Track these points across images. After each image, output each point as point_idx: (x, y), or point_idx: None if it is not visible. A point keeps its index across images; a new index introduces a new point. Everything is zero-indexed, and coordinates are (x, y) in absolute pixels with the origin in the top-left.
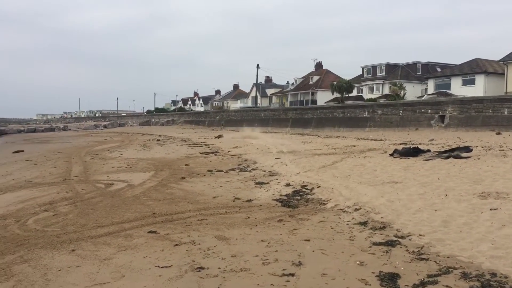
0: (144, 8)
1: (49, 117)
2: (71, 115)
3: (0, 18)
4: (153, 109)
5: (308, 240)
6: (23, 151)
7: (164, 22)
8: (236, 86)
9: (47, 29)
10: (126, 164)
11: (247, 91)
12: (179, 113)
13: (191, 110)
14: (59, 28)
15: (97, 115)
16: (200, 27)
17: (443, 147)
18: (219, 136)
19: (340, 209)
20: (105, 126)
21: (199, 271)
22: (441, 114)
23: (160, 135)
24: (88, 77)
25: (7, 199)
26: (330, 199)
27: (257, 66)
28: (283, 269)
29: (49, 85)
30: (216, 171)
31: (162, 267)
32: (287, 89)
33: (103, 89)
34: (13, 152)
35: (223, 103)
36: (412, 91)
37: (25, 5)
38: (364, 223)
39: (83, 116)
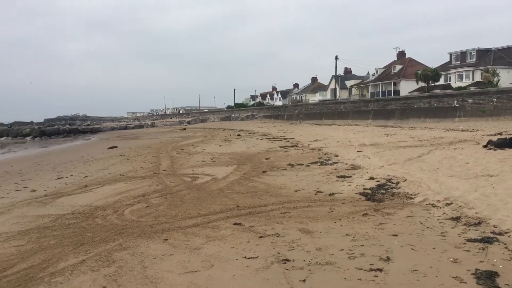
0: (222, 6)
1: (138, 114)
2: (158, 112)
3: (91, 24)
4: (233, 104)
5: (395, 235)
6: (116, 147)
7: (242, 20)
8: (314, 79)
9: (132, 32)
10: (209, 158)
11: (326, 83)
12: (258, 107)
13: (270, 104)
14: (144, 31)
15: (181, 111)
16: (277, 22)
17: None
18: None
19: (429, 203)
20: (188, 122)
21: (285, 263)
22: None
23: (240, 130)
24: (172, 75)
25: (105, 191)
26: (418, 193)
27: (336, 58)
28: (371, 264)
29: (137, 84)
30: (297, 164)
31: (249, 257)
32: (368, 80)
33: (186, 87)
34: (108, 148)
35: (301, 96)
36: (507, 77)
37: (111, 11)
38: (456, 219)
39: (168, 113)
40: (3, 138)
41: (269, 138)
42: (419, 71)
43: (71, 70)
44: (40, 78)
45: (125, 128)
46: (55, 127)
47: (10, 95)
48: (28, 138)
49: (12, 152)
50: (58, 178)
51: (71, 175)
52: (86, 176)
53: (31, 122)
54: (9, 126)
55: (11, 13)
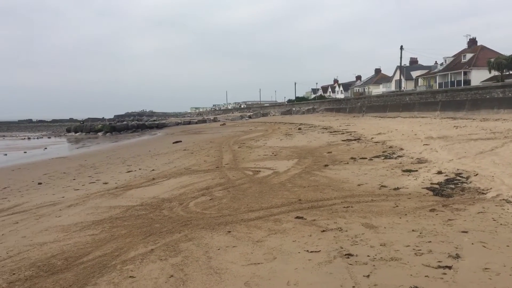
0: (285, 0)
1: (201, 109)
2: (220, 107)
3: (157, 23)
4: (293, 98)
5: (466, 232)
6: (181, 141)
7: (304, 13)
8: (377, 71)
9: (196, 29)
10: (270, 152)
11: (390, 75)
12: (319, 101)
13: (331, 97)
14: (207, 28)
15: (242, 106)
16: (341, 13)
17: None
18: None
19: (503, 199)
20: (249, 117)
21: (348, 257)
22: None
23: (301, 124)
24: (233, 71)
25: (171, 184)
26: (491, 188)
27: (401, 48)
28: (439, 261)
29: (200, 80)
30: (360, 158)
31: (311, 251)
32: (435, 70)
33: (247, 81)
34: (173, 143)
35: (364, 88)
36: None
37: (177, 9)
38: None
39: (229, 108)
40: (77, 134)
41: (330, 132)
42: (492, 59)
43: (138, 68)
44: (110, 76)
45: (189, 123)
46: (124, 123)
47: (84, 93)
48: (100, 134)
49: (86, 147)
50: (128, 172)
51: (139, 169)
52: (153, 170)
53: (103, 119)
54: (82, 122)
55: (87, 14)
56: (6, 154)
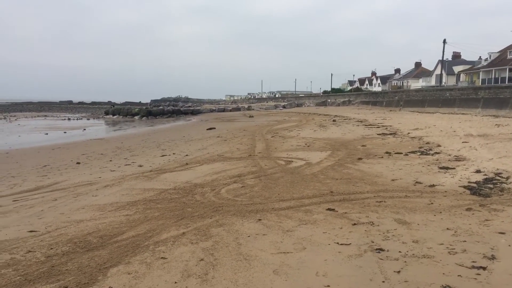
0: None
1: (235, 97)
2: (254, 96)
3: (194, 9)
4: (329, 89)
5: (503, 233)
6: (214, 128)
7: (343, 4)
8: (418, 64)
9: (234, 16)
10: (303, 143)
11: (431, 69)
12: (356, 93)
13: (368, 90)
14: (245, 15)
15: (277, 95)
16: (382, 4)
17: None
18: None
19: None
20: (284, 107)
21: (379, 252)
22: None
23: (335, 116)
24: (270, 59)
25: (204, 170)
26: None
27: (444, 41)
28: (473, 261)
29: (236, 68)
30: (395, 153)
31: (341, 244)
32: (479, 66)
33: (283, 71)
34: (207, 129)
35: (402, 82)
36: None
37: None
38: None
39: (264, 97)
40: (115, 117)
41: (365, 125)
42: None
43: (175, 54)
44: (149, 61)
45: (223, 110)
46: (160, 107)
47: (123, 77)
48: (136, 117)
49: (122, 129)
50: (162, 156)
51: (173, 153)
52: (187, 155)
53: (139, 103)
54: (112, 106)
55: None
56: (47, 134)
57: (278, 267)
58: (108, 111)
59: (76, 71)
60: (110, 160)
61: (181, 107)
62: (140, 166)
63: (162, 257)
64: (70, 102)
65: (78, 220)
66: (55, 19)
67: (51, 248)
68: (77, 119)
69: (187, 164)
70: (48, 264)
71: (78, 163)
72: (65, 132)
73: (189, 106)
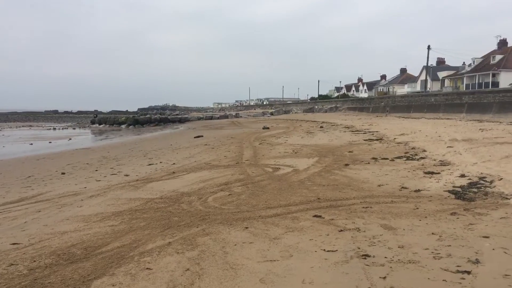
0: None
1: (223, 105)
2: (242, 103)
3: (183, 16)
4: (316, 96)
5: (487, 237)
6: (202, 136)
7: (330, 9)
8: (403, 70)
9: (221, 24)
10: (291, 149)
11: (416, 74)
12: (342, 99)
13: (355, 96)
14: (233, 23)
15: (264, 103)
16: (368, 10)
17: None
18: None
19: None
20: (271, 114)
21: (365, 258)
22: None
23: (323, 122)
24: (257, 67)
25: (191, 178)
26: None
27: (428, 47)
28: (457, 266)
29: (223, 76)
30: (381, 158)
31: (328, 250)
32: (463, 71)
33: (270, 79)
34: (194, 137)
35: (388, 88)
36: None
37: (203, 2)
38: None
39: (252, 104)
40: (101, 126)
41: (352, 131)
42: None
43: (162, 61)
44: (135, 69)
45: (211, 118)
46: (147, 116)
47: (109, 86)
48: (123, 126)
49: (109, 139)
50: (149, 164)
51: (160, 162)
52: (174, 164)
53: (126, 111)
54: (95, 116)
55: (114, 6)
56: (32, 144)
57: (264, 276)
58: (94, 120)
59: (62, 80)
60: (96, 170)
61: (169, 115)
62: (127, 175)
63: (147, 268)
64: (55, 112)
65: (62, 231)
66: (41, 28)
67: (34, 261)
68: (62, 128)
69: (174, 172)
70: (31, 277)
71: (63, 173)
72: (50, 142)
73: (177, 114)
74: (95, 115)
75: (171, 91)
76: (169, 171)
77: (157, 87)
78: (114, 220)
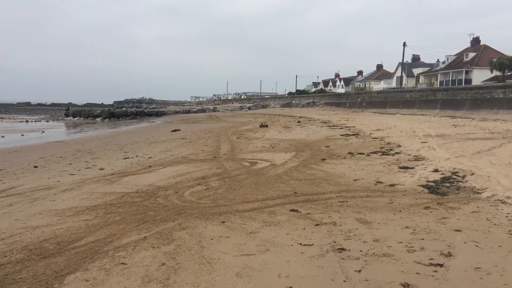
0: None
1: (201, 99)
2: (220, 97)
3: (160, 10)
4: (294, 91)
5: (459, 231)
6: (179, 130)
7: (309, 6)
8: (379, 66)
9: (200, 18)
10: (268, 144)
11: (392, 71)
12: (320, 95)
13: (332, 91)
14: (212, 17)
15: (242, 97)
16: (347, 7)
17: None
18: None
19: (498, 199)
20: (249, 108)
21: (340, 252)
22: None
23: (300, 117)
24: (235, 61)
25: (167, 172)
26: (486, 188)
27: (404, 44)
28: (430, 259)
29: (201, 70)
30: (357, 153)
31: (304, 244)
32: (437, 68)
33: (248, 73)
34: (172, 131)
35: (365, 84)
36: None
37: None
38: None
39: (230, 98)
40: (76, 118)
41: (329, 126)
42: (494, 59)
43: (140, 54)
44: (112, 62)
45: (188, 112)
46: (123, 109)
47: (85, 79)
48: (98, 119)
49: (83, 132)
50: (125, 158)
51: (136, 156)
52: (150, 157)
53: (102, 104)
54: (67, 108)
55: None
56: (3, 136)
57: (241, 270)
58: (68, 112)
59: (35, 72)
60: (70, 164)
61: (145, 108)
62: (102, 169)
63: (122, 263)
64: (28, 104)
65: (34, 226)
66: (13, 18)
67: (5, 256)
68: (35, 121)
69: (150, 166)
70: (1, 273)
71: (36, 166)
72: (22, 135)
73: (153, 108)
74: (67, 108)
75: (148, 84)
76: (146, 165)
77: (134, 80)
78: (88, 215)
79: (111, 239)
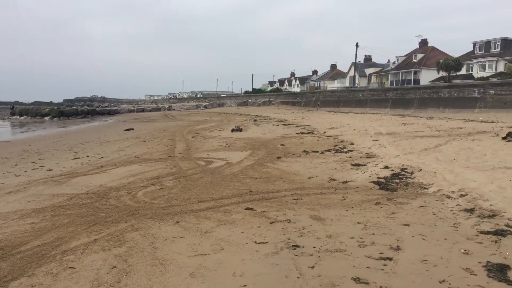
0: None
1: (155, 97)
2: (175, 96)
3: (114, 8)
4: (250, 90)
5: (407, 225)
6: (133, 129)
7: (266, 5)
8: (333, 66)
9: (154, 14)
10: (224, 143)
11: (345, 71)
12: (276, 93)
13: (287, 91)
14: (166, 14)
15: (198, 95)
16: (302, 8)
17: None
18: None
19: (444, 194)
20: (205, 107)
21: (294, 249)
22: None
23: (257, 116)
24: (191, 59)
25: (120, 172)
26: (432, 184)
27: (356, 45)
28: (380, 253)
29: (156, 68)
30: (312, 151)
31: (259, 242)
32: (388, 68)
33: (204, 71)
34: (125, 130)
35: (319, 83)
36: None
37: None
38: (470, 210)
39: (185, 96)
40: (23, 117)
41: (285, 125)
42: (441, 60)
43: (91, 51)
44: (61, 59)
45: (143, 110)
46: (74, 107)
47: (33, 76)
48: (47, 118)
49: (31, 131)
50: (75, 158)
51: (87, 156)
52: (102, 157)
53: (51, 103)
54: (12, 107)
55: None
56: None
57: (195, 270)
58: (14, 111)
59: None
60: (16, 165)
61: (97, 107)
62: (50, 170)
63: (70, 267)
64: None
65: None
66: None
67: None
68: None
69: (101, 166)
70: None
71: None
72: None
73: (106, 106)
74: (11, 107)
75: (100, 82)
76: (97, 165)
77: (85, 78)
78: (35, 218)
79: (59, 243)
